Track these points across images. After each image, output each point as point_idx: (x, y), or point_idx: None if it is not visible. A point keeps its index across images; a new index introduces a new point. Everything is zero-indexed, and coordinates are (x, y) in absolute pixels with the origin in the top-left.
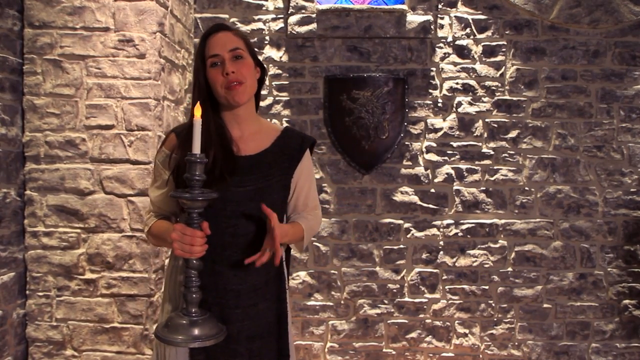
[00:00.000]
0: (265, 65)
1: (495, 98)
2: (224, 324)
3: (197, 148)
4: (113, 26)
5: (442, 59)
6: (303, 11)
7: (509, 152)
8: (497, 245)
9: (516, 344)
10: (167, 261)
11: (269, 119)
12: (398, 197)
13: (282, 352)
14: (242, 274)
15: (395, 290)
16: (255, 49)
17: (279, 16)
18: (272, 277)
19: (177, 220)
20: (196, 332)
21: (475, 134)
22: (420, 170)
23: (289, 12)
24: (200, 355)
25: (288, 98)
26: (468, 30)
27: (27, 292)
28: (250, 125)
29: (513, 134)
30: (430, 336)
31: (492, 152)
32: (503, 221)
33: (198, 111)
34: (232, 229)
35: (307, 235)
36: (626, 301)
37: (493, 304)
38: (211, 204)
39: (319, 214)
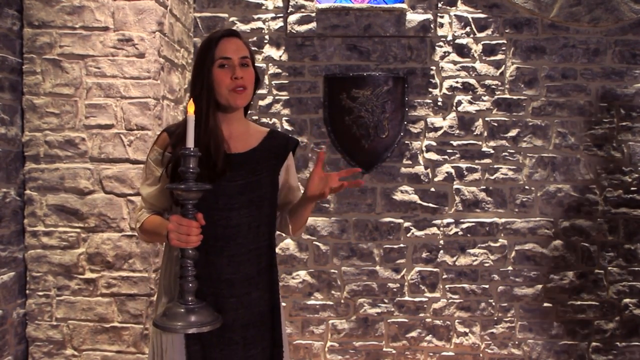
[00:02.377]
0: (260, 77)
1: (495, 97)
2: (219, 313)
3: (190, 142)
4: (112, 25)
5: (442, 57)
6: (302, 10)
7: (509, 150)
8: (498, 244)
9: (516, 343)
10: (162, 257)
11: (268, 118)
12: (398, 196)
13: (276, 342)
14: (235, 264)
15: (395, 290)
16: (255, 49)
17: (279, 15)
18: (263, 267)
19: (169, 216)
20: (193, 319)
21: (475, 133)
22: (420, 169)
23: (288, 11)
24: (196, 345)
25: (288, 97)
26: (468, 28)
27: (27, 291)
28: (239, 126)
29: (513, 132)
30: (430, 335)
31: (492, 151)
32: (503, 220)
33: (191, 107)
34: (225, 221)
35: (307, 220)
36: (626, 300)
37: (493, 303)
38: (204, 197)
39: None
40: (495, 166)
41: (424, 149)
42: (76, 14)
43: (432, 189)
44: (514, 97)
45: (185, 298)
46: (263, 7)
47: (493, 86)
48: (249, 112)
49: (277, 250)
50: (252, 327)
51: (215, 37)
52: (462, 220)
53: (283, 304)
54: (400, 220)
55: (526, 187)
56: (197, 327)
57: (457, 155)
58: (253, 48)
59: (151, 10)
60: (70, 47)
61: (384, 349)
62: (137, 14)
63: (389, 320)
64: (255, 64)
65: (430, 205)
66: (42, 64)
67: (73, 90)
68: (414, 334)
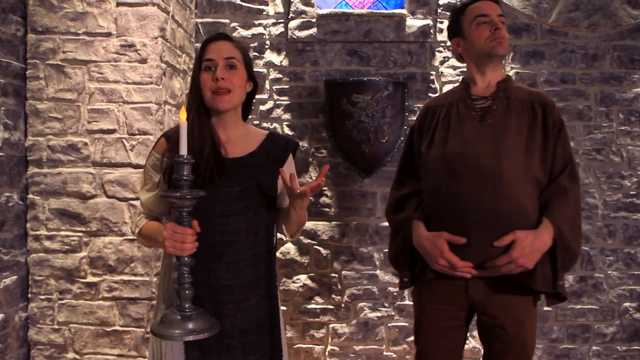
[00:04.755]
0: (258, 82)
1: None
2: (217, 320)
3: (184, 150)
4: (115, 31)
5: (442, 62)
6: (303, 16)
7: None
8: None
9: None
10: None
11: (269, 123)
12: None
13: (275, 348)
14: (233, 270)
15: (395, 294)
16: (256, 54)
17: (280, 21)
18: (262, 273)
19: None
20: (190, 326)
21: None
22: None
23: (289, 17)
24: (196, 351)
25: (288, 102)
26: None
27: (29, 295)
28: (236, 130)
29: None
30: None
31: None
32: None
33: (183, 114)
34: (222, 227)
35: (303, 223)
36: (626, 304)
37: None
38: (201, 204)
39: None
40: None
41: None
42: (79, 20)
43: None
44: None
45: (183, 305)
46: (264, 13)
47: None
48: (250, 116)
49: (277, 254)
50: (250, 333)
51: (204, 42)
52: None
53: (283, 308)
54: None
55: None
56: (194, 334)
57: None
58: (254, 53)
59: (153, 16)
60: (73, 52)
61: (385, 353)
62: (140, 20)
63: (389, 324)
64: (252, 66)
65: None
66: (46, 69)
67: (76, 95)
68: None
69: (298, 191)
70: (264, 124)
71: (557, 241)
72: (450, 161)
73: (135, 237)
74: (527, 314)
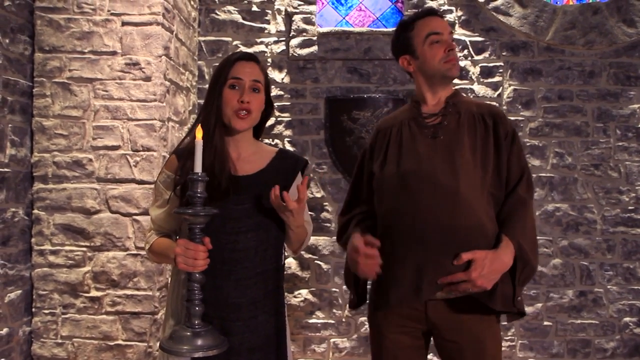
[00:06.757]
0: (274, 104)
1: None
2: (225, 337)
3: (198, 167)
4: (120, 50)
5: None
6: (304, 34)
7: None
8: None
9: None
10: (170, 279)
11: (271, 139)
12: None
13: None
14: (241, 287)
15: None
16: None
17: (281, 39)
18: (270, 290)
19: (177, 237)
20: (199, 342)
21: None
22: None
23: (290, 35)
24: None
25: (290, 118)
26: (466, 51)
27: (33, 309)
28: (247, 147)
29: None
30: (431, 354)
31: None
32: None
33: (199, 132)
34: (232, 245)
35: (306, 239)
36: (627, 319)
37: None
38: (211, 221)
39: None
40: None
41: None
42: (85, 39)
43: None
44: (512, 118)
45: (192, 321)
46: (266, 31)
47: None
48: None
49: None
50: (258, 351)
51: (232, 58)
52: None
53: None
54: None
55: None
56: (203, 350)
57: None
58: None
59: (158, 35)
60: (79, 71)
61: None
62: (144, 39)
63: None
64: (270, 90)
65: None
66: (52, 87)
67: (81, 112)
68: None
69: (287, 205)
70: (266, 140)
71: (517, 257)
72: (405, 178)
73: (139, 252)
74: (487, 334)
